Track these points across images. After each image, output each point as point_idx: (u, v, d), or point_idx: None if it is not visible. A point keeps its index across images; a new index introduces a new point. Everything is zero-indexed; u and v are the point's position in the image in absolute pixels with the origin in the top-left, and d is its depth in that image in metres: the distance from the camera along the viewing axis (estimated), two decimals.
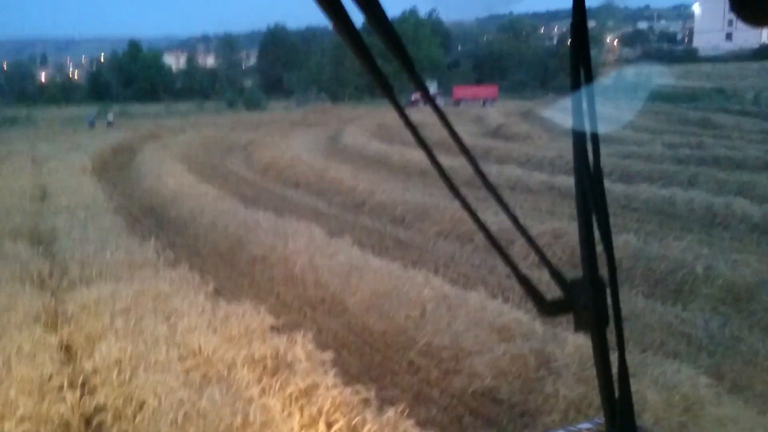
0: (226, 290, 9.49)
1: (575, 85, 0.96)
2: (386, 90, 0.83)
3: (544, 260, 0.96)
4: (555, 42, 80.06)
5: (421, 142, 0.92)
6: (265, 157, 21.21)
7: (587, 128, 0.98)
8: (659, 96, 52.36)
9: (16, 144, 25.97)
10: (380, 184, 15.54)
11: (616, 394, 1.05)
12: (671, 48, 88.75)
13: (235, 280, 10.10)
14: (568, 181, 15.76)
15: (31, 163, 19.18)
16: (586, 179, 0.98)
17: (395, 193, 14.53)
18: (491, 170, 17.35)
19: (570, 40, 0.95)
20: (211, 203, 13.80)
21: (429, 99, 0.93)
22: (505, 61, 73.57)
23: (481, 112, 45.46)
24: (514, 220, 0.96)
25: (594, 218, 0.99)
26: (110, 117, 37.73)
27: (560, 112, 36.97)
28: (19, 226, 10.50)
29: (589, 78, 0.95)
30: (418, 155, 20.75)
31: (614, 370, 1.06)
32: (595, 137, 0.99)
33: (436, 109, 0.92)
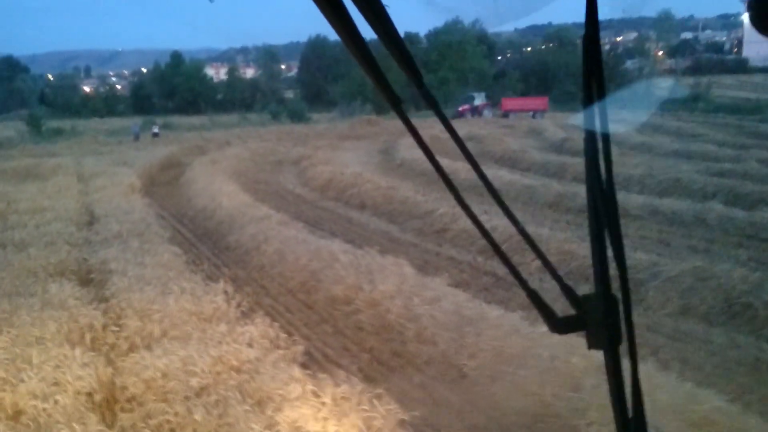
0: (309, 342, 7.89)
1: (587, 100, 0.94)
2: (395, 103, 0.81)
3: (555, 275, 0.97)
4: (607, 50, 77.33)
5: (431, 158, 0.90)
6: (321, 173, 19.69)
7: (600, 142, 0.96)
8: (720, 108, 49.85)
9: (62, 157, 25.02)
10: (458, 207, 13.80)
11: (630, 413, 1.02)
12: (721, 58, 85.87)
13: (315, 329, 8.48)
14: (677, 205, 13.89)
15: (77, 180, 18.00)
16: (599, 194, 0.97)
17: (481, 218, 12.75)
18: (580, 192, 15.54)
19: (582, 53, 0.92)
20: (273, 228, 12.27)
21: (441, 114, 0.85)
22: (553, 72, 71.37)
23: (534, 124, 43.55)
24: (523, 232, 0.99)
25: (606, 233, 0.98)
26: (155, 129, 36.88)
27: (621, 125, 34.95)
28: (65, 259, 9.09)
29: (602, 92, 0.94)
30: (490, 173, 19.01)
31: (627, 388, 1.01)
32: (607, 151, 0.96)
33: (444, 121, 0.86)
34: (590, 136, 0.96)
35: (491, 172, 19.43)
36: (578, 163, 21.02)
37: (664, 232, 12.90)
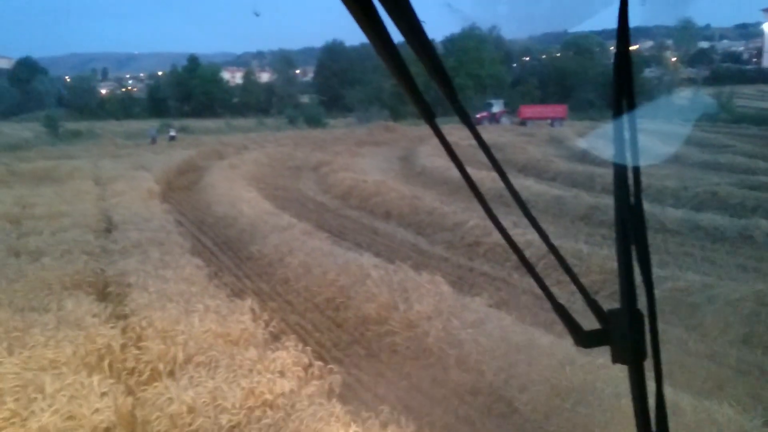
0: (341, 365, 7.32)
1: (617, 115, 0.94)
2: (430, 120, 0.81)
3: (581, 289, 0.97)
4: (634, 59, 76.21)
5: (463, 171, 0.90)
6: (342, 180, 19.14)
7: (628, 158, 0.96)
8: (743, 118, 49.03)
9: (79, 160, 24.68)
10: (490, 220, 13.16)
11: (653, 429, 1.01)
12: (740, 68, 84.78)
13: (347, 350, 7.90)
14: (717, 220, 13.20)
15: (94, 184, 17.59)
16: (626, 209, 0.97)
17: (513, 230, 12.15)
18: (612, 204, 14.86)
19: (614, 68, 0.92)
20: (297, 238, 11.73)
21: (472, 128, 0.86)
22: (571, 80, 70.57)
23: (554, 132, 42.86)
24: (551, 246, 0.98)
25: (633, 248, 0.97)
26: (172, 132, 36.59)
27: (647, 136, 34.17)
28: (81, 270, 8.57)
29: (632, 107, 0.93)
30: (516, 183, 18.39)
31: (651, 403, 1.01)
32: (636, 167, 0.96)
33: (475, 133, 0.88)
34: (619, 151, 0.95)
35: (516, 181, 18.70)
36: (606, 174, 20.31)
37: (707, 249, 12.22)
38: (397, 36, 0.72)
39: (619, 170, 0.96)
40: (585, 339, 0.98)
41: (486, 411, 6.28)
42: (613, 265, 10.15)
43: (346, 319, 8.72)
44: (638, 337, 0.96)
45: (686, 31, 75.40)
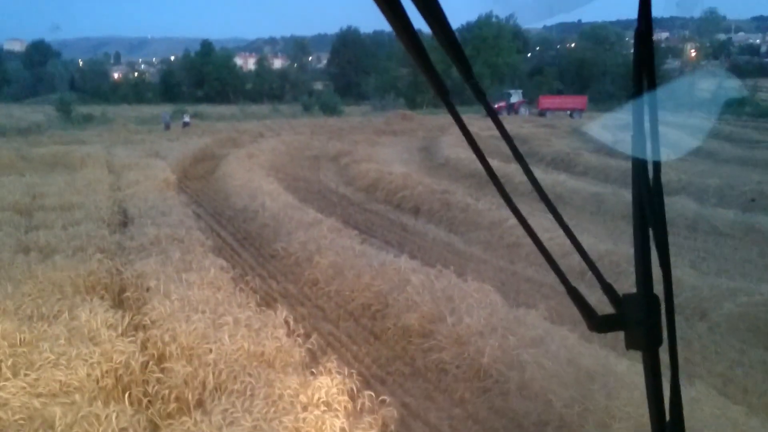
0: (383, 385, 6.53)
1: (637, 94, 0.91)
2: (444, 97, 0.80)
3: (596, 274, 0.95)
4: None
5: (480, 155, 0.87)
6: (366, 172, 18.29)
7: (648, 140, 0.93)
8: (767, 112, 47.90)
9: (92, 145, 23.94)
10: (530, 218, 12.26)
11: (667, 417, 0.99)
12: (760, 61, 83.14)
13: (389, 368, 7.09)
14: None
15: (107, 172, 16.83)
16: (645, 193, 0.95)
17: (557, 232, 11.21)
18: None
19: (634, 49, 0.90)
20: (325, 236, 10.91)
21: (490, 110, 0.85)
22: (589, 70, 69.23)
23: (575, 124, 41.80)
24: (568, 231, 0.97)
25: (651, 233, 0.96)
26: (186, 118, 35.79)
27: (673, 129, 33.03)
28: (95, 271, 7.79)
29: (653, 85, 0.90)
30: (551, 178, 17.49)
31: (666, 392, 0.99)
32: (656, 149, 0.94)
33: (495, 119, 0.87)
34: (638, 134, 0.92)
35: (548, 176, 17.91)
36: None
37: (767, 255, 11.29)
38: (413, 14, 0.71)
39: (639, 152, 0.94)
40: (599, 324, 0.94)
41: None
42: (675, 272, 9.31)
43: (384, 329, 7.91)
44: (654, 322, 0.94)
45: (710, 23, 73.59)
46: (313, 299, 9.13)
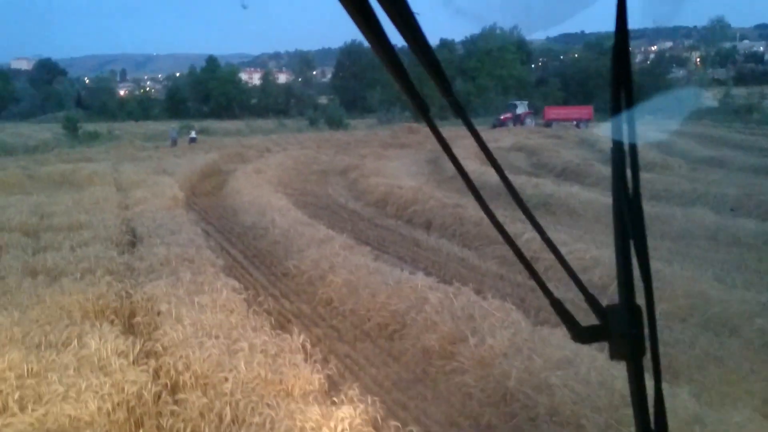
0: (406, 411, 6.25)
1: (615, 108, 0.94)
2: (424, 114, 0.81)
3: (579, 285, 0.97)
4: (649, 61, 74.69)
5: (454, 159, 0.89)
6: (375, 186, 18.06)
7: (626, 153, 0.96)
8: None
9: (99, 163, 23.85)
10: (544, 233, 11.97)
11: (652, 425, 1.00)
12: (765, 69, 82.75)
13: (409, 392, 6.80)
14: None
15: (115, 190, 16.66)
16: (625, 203, 0.96)
17: (575, 246, 11.00)
18: (675, 214, 13.68)
19: (611, 63, 0.92)
20: (337, 253, 10.66)
21: (468, 123, 0.87)
22: (594, 80, 69.01)
23: (582, 134, 41.48)
24: (549, 242, 0.98)
25: (632, 243, 0.97)
26: (193, 134, 35.74)
27: (681, 138, 32.77)
28: (105, 294, 7.55)
29: (630, 101, 0.93)
30: (563, 190, 17.23)
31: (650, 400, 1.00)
32: (634, 160, 0.97)
33: (472, 130, 0.88)
34: (617, 145, 0.95)
35: (560, 188, 17.66)
36: (656, 180, 19.09)
37: None
38: (390, 30, 0.70)
39: (617, 163, 0.96)
40: (582, 334, 0.96)
41: None
42: (701, 287, 9.01)
43: (403, 351, 7.64)
44: (637, 332, 0.95)
45: (717, 31, 73.31)
46: (328, 319, 8.87)
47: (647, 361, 1.00)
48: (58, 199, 14.77)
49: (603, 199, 16.35)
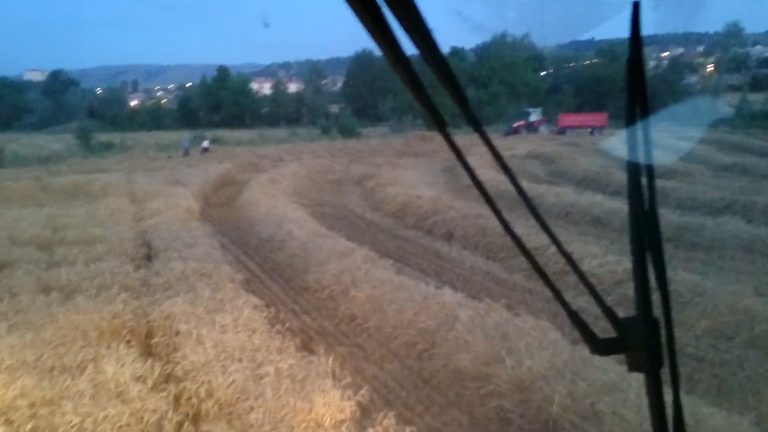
0: None
1: (631, 121, 0.94)
2: (442, 129, 0.81)
3: (596, 297, 0.96)
4: (662, 68, 73.94)
5: (470, 172, 0.88)
6: (393, 197, 17.69)
7: (642, 164, 0.96)
8: None
9: (112, 174, 23.66)
10: (570, 244, 11.55)
11: None
12: None
13: (444, 417, 6.40)
14: None
15: (129, 202, 16.39)
16: (641, 216, 0.97)
17: (606, 258, 10.55)
18: (705, 224, 13.20)
19: (626, 74, 0.92)
20: (359, 267, 10.30)
21: (484, 136, 0.86)
22: (607, 87, 68.48)
23: (598, 141, 40.98)
24: (566, 255, 0.98)
25: (648, 256, 0.97)
26: (206, 144, 35.56)
27: (702, 145, 32.19)
28: (120, 313, 7.21)
29: (645, 112, 0.94)
30: (586, 199, 16.79)
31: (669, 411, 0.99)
32: (650, 173, 0.97)
33: (488, 142, 0.87)
34: (633, 157, 0.95)
35: (582, 197, 17.19)
36: (680, 188, 18.58)
37: None
38: (406, 45, 0.70)
39: (633, 175, 0.97)
40: (600, 347, 0.96)
41: None
42: (746, 304, 8.55)
43: (433, 372, 7.23)
44: (654, 344, 0.95)
45: (732, 36, 72.55)
46: (352, 337, 8.48)
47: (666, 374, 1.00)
48: (71, 211, 14.51)
49: (627, 208, 15.88)
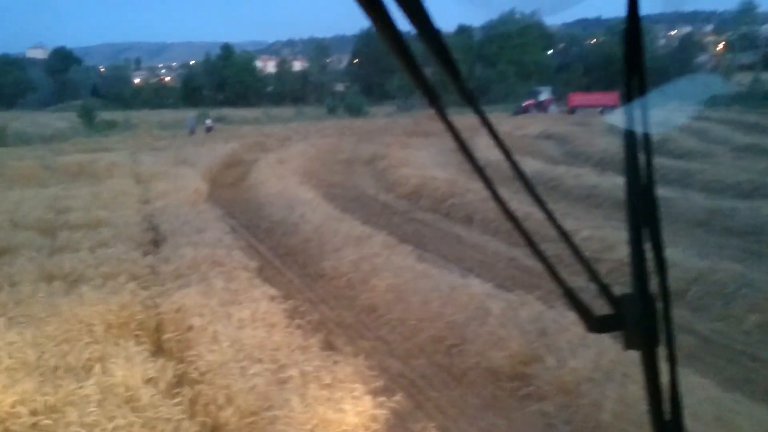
0: None
1: (628, 95, 0.92)
2: (434, 102, 0.77)
3: (592, 273, 0.94)
4: (676, 45, 72.67)
5: (471, 159, 0.84)
6: (407, 178, 17.11)
7: (639, 138, 0.93)
8: None
9: (116, 153, 23.10)
10: (600, 229, 10.97)
11: (667, 416, 1.00)
12: None
13: (480, 421, 5.88)
14: None
15: (134, 182, 15.84)
16: (638, 190, 0.95)
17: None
18: (737, 207, 12.59)
19: (623, 48, 0.88)
20: (378, 253, 9.76)
21: (479, 111, 0.80)
22: (616, 66, 67.13)
23: (609, 121, 40.13)
24: (560, 229, 0.94)
25: (645, 231, 0.96)
26: (209, 122, 34.93)
27: (720, 126, 31.42)
28: (128, 304, 6.70)
29: (643, 87, 0.90)
30: (608, 182, 16.16)
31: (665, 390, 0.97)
32: (648, 147, 0.95)
33: (483, 118, 0.82)
34: (630, 132, 0.94)
35: (604, 179, 16.56)
36: (705, 170, 17.94)
37: None
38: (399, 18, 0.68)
39: (630, 149, 0.94)
40: (596, 324, 0.94)
41: None
42: None
43: (465, 370, 6.71)
44: (651, 322, 0.94)
45: (746, 15, 70.98)
46: (374, 330, 7.96)
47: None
48: (75, 192, 13.98)
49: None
